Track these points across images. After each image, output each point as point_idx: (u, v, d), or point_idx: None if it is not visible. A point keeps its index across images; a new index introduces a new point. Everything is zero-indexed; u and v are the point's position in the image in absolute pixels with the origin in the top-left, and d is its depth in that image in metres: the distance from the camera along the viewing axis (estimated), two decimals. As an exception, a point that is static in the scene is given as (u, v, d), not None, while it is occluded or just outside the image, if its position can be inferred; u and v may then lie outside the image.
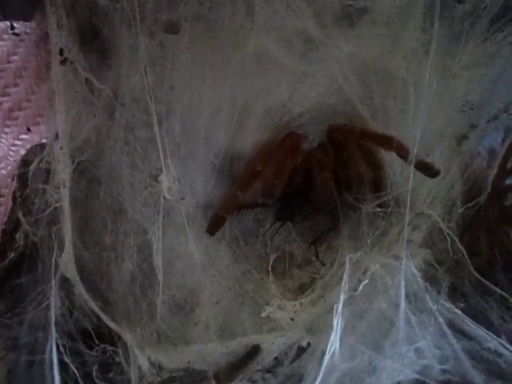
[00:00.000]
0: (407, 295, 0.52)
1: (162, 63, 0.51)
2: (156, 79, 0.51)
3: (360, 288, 0.46)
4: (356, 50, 0.54)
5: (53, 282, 0.49)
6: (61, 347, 0.47)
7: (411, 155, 0.53)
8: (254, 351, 0.56)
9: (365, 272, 0.54)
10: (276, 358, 0.56)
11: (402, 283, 0.47)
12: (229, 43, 0.50)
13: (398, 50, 0.55)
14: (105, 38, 0.50)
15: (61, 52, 0.50)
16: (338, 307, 0.43)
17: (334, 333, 0.42)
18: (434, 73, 0.54)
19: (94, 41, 0.50)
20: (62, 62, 0.50)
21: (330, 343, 0.42)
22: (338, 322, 0.42)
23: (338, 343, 0.42)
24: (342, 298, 0.44)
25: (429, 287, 0.55)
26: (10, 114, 0.64)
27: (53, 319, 0.48)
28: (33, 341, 0.48)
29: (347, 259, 0.50)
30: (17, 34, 0.56)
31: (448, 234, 0.59)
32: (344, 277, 0.47)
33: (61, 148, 0.53)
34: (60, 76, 0.51)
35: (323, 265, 0.59)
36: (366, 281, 0.47)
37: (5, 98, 0.63)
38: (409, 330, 0.48)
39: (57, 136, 0.53)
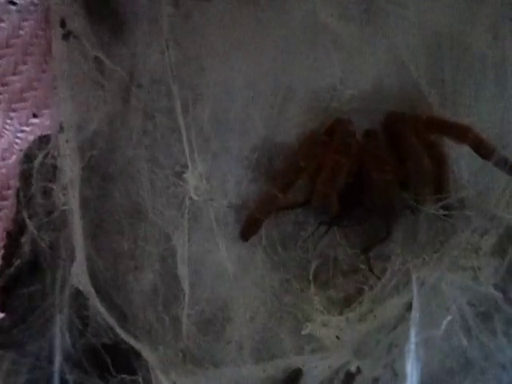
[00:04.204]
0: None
1: (189, 38, 0.49)
2: (180, 57, 0.49)
3: (443, 326, 0.38)
4: (425, 18, 0.50)
5: (57, 301, 0.47)
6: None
7: (491, 150, 0.48)
8: (295, 376, 0.51)
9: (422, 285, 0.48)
10: (320, 385, 0.53)
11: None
12: (271, 11, 0.48)
13: (478, 18, 0.51)
14: (118, 7, 0.48)
15: (62, 23, 0.46)
16: (410, 348, 0.36)
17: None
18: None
19: (104, 10, 0.47)
20: (65, 37, 0.47)
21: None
22: (412, 368, 0.35)
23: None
24: (413, 333, 0.36)
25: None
26: (21, 95, 0.59)
27: (59, 344, 0.45)
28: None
29: (413, 279, 0.43)
30: (14, 4, 0.50)
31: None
32: (413, 305, 0.40)
33: (67, 141, 0.49)
34: (63, 54, 0.47)
35: (378, 278, 0.53)
36: (450, 317, 0.39)
37: (15, 78, 0.58)
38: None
39: (62, 127, 0.49)
